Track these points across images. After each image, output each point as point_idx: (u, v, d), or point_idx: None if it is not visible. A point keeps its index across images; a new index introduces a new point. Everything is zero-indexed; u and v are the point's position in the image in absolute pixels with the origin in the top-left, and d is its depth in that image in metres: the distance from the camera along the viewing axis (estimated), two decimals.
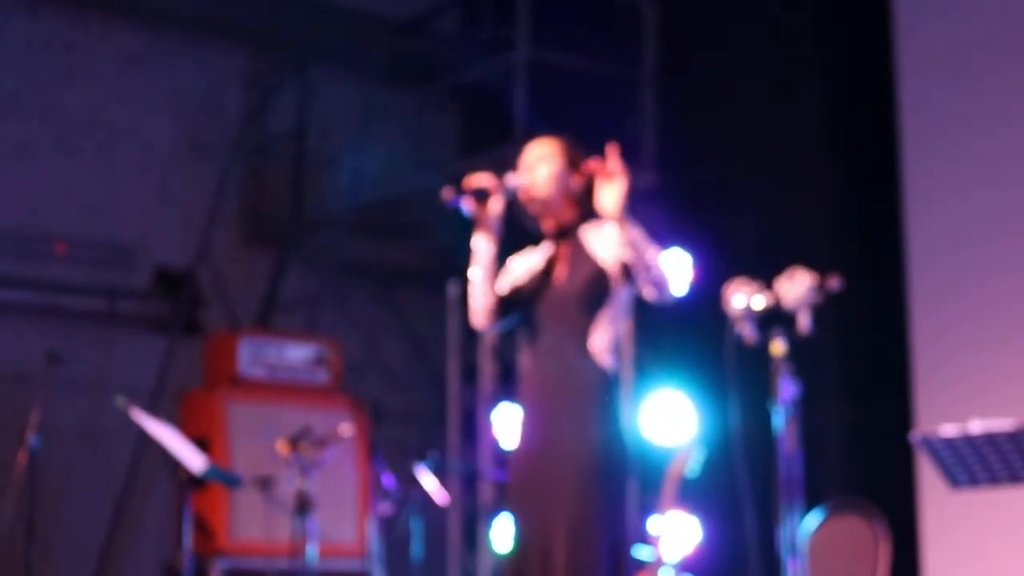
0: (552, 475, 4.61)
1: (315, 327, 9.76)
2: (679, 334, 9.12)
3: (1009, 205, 7.56)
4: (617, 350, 4.77)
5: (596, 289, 4.72)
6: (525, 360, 4.82)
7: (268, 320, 9.97)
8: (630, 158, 9.29)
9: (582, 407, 4.65)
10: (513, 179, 4.79)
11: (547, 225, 4.91)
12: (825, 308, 4.58)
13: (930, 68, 7.97)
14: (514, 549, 4.69)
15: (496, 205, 4.73)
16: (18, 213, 9.36)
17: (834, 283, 4.47)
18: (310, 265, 10.32)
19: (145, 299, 9.74)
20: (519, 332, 4.86)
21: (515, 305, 4.82)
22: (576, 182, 4.88)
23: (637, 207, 9.29)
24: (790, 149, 8.93)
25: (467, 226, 4.87)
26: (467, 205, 4.71)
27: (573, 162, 4.91)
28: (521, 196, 4.81)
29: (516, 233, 4.95)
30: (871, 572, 5.55)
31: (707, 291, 8.40)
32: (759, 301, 4.51)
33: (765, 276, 4.63)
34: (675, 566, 6.77)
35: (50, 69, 9.56)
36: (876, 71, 8.24)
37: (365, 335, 10.64)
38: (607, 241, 4.77)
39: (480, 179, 4.73)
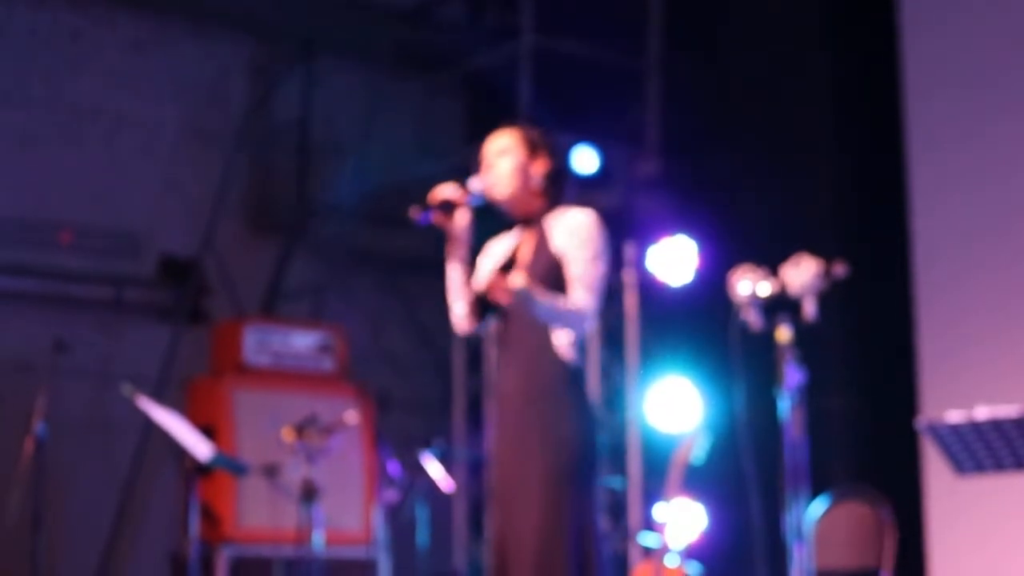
0: (518, 472, 4.61)
1: (320, 315, 9.76)
2: (684, 321, 9.12)
3: (1016, 192, 7.56)
4: (582, 344, 4.71)
5: (554, 280, 4.64)
6: (495, 354, 4.82)
7: (273, 308, 9.98)
8: (635, 145, 9.35)
9: (544, 403, 4.63)
10: (477, 183, 4.75)
11: (516, 214, 4.86)
12: (830, 295, 4.57)
13: (937, 55, 7.96)
14: (491, 546, 4.70)
15: (463, 215, 4.70)
16: (23, 202, 9.36)
17: (840, 270, 4.46)
18: (315, 253, 10.32)
19: (151, 287, 9.75)
20: (491, 325, 4.87)
21: (490, 303, 4.78)
22: (538, 170, 4.80)
23: (641, 195, 9.33)
24: (795, 136, 8.92)
25: (477, 213, 4.86)
26: (436, 219, 4.68)
27: (533, 150, 4.81)
28: (487, 196, 4.77)
29: (496, 225, 4.94)
30: (877, 559, 5.56)
31: (712, 278, 8.43)
32: (764, 288, 4.51)
33: (770, 263, 4.62)
34: (680, 552, 6.78)
35: (54, 57, 9.56)
36: (882, 58, 8.23)
37: (370, 323, 10.64)
38: (562, 230, 4.73)
39: (444, 191, 4.69)
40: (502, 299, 4.55)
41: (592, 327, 4.73)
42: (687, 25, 9.57)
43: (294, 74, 10.27)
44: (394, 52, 10.00)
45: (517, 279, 4.49)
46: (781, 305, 4.51)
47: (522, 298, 4.50)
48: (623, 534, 8.99)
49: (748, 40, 9.25)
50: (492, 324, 4.86)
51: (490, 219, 4.90)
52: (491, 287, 4.50)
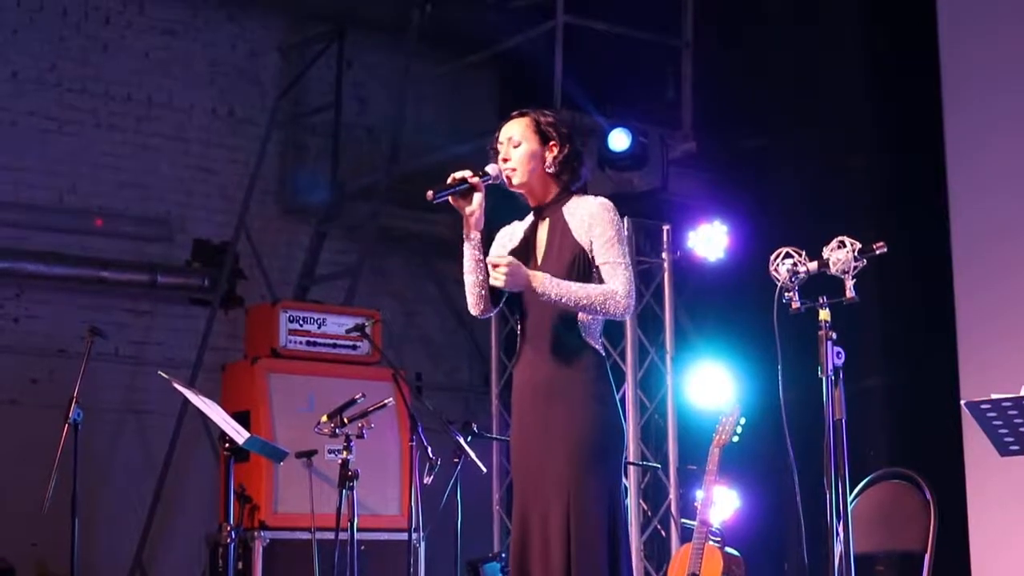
0: (544, 460, 4.59)
1: (354, 298, 9.75)
2: (722, 302, 9.08)
3: None
4: (603, 331, 4.72)
5: (579, 268, 4.65)
6: (518, 341, 4.80)
7: (307, 292, 9.98)
8: (669, 125, 9.27)
9: (570, 390, 4.61)
10: (493, 168, 4.74)
11: (530, 201, 4.85)
12: (869, 274, 4.53)
13: (974, 29, 7.88)
14: (515, 533, 4.68)
15: (479, 198, 4.66)
16: (57, 188, 9.38)
17: (880, 248, 4.42)
18: (348, 236, 10.31)
19: (184, 272, 9.76)
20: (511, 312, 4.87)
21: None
22: (551, 156, 4.78)
23: (676, 175, 9.26)
24: (831, 114, 8.86)
25: (505, 194, 4.85)
26: (452, 201, 4.66)
27: (545, 136, 4.79)
28: (502, 181, 4.76)
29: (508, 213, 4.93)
30: (917, 540, 5.51)
31: (747, 258, 8.38)
32: (804, 268, 4.47)
33: (806, 241, 4.59)
34: (720, 532, 6.75)
35: (87, 42, 9.57)
36: (918, 36, 8.15)
37: (404, 306, 10.63)
38: (583, 219, 4.71)
39: (462, 174, 4.67)
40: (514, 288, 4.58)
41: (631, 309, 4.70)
42: (720, 2, 9.51)
43: (326, 57, 10.25)
44: (426, 33, 9.96)
45: (544, 280, 4.53)
46: (821, 285, 4.48)
47: (550, 296, 4.54)
48: (662, 516, 8.96)
49: (782, 18, 9.18)
50: (512, 310, 4.83)
51: (502, 207, 4.88)
52: (508, 281, 4.52)
